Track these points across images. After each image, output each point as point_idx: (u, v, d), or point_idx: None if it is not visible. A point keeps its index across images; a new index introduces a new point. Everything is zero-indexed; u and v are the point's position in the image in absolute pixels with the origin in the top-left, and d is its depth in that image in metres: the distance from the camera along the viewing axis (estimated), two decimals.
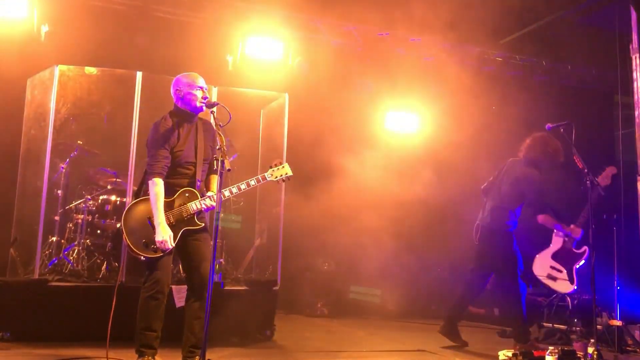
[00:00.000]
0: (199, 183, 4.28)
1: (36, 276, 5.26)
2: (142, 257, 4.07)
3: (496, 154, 8.21)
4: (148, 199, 4.13)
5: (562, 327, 6.60)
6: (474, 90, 8.64)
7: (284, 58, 8.08)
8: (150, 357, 4.09)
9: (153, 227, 4.06)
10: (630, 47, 6.27)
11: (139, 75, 5.65)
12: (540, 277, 5.97)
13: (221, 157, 3.79)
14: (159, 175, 4.11)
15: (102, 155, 6.65)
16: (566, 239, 6.05)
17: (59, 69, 5.52)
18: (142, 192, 4.27)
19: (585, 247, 6.00)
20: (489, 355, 5.38)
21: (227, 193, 4.24)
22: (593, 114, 9.46)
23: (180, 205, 4.18)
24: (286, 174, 4.39)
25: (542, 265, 6.10)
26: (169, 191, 4.18)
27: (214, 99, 5.56)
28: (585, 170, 5.10)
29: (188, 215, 4.18)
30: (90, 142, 6.53)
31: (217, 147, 3.88)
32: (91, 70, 5.98)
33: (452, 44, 8.92)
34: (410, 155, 8.76)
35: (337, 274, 8.35)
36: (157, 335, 4.14)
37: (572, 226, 6.03)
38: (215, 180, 4.36)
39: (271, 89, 6.70)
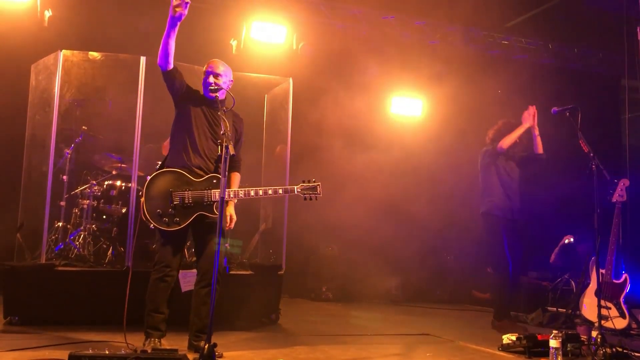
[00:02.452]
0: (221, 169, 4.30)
1: (43, 261, 5.29)
2: (151, 226, 4.10)
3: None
4: (175, 171, 4.19)
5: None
6: (480, 73, 8.59)
7: (288, 42, 8.04)
8: (156, 339, 4.12)
9: (172, 201, 4.10)
10: (638, 30, 6.19)
11: (143, 60, 5.62)
12: (591, 319, 5.77)
13: (225, 142, 3.78)
14: None
15: (107, 141, 6.66)
16: (602, 271, 5.71)
17: (62, 54, 5.51)
18: (164, 164, 4.30)
19: (625, 275, 5.76)
20: (492, 339, 5.40)
21: (252, 193, 4.26)
22: (599, 98, 9.41)
23: (204, 189, 4.19)
24: (314, 192, 4.32)
25: (591, 306, 5.80)
26: (196, 172, 4.22)
27: None
28: (591, 154, 5.08)
29: (209, 201, 4.18)
30: (95, 127, 6.53)
31: (222, 132, 3.87)
32: (94, 54, 5.96)
33: (457, 28, 8.86)
34: (415, 140, 8.73)
35: (342, 258, 8.37)
36: (164, 317, 4.18)
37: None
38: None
39: (275, 74, 6.66)
